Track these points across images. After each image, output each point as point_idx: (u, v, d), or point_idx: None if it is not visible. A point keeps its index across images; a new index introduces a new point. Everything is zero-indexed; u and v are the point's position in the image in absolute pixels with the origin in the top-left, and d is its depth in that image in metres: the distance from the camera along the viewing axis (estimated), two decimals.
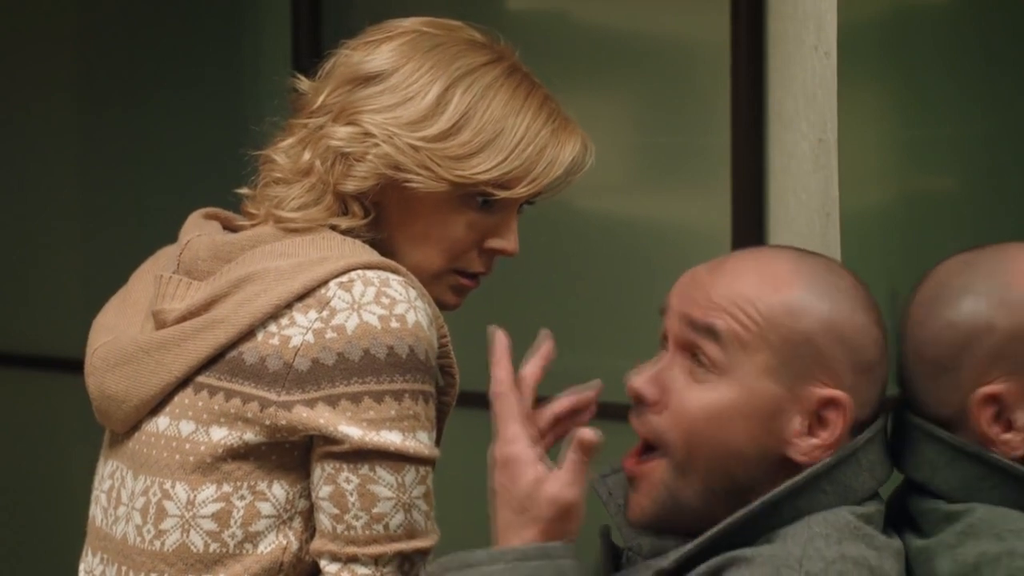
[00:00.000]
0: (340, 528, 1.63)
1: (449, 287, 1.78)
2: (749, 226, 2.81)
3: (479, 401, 3.33)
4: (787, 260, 1.63)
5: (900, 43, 2.69)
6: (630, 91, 3.20)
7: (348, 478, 1.63)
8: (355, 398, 1.62)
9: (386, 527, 1.63)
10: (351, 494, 1.63)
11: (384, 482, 1.63)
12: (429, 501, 1.66)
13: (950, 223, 2.74)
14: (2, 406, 4.09)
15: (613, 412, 3.31)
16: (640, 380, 1.61)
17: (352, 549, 1.63)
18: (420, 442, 1.64)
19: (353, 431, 1.61)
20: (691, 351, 1.60)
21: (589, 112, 3.10)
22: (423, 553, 1.65)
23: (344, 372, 1.62)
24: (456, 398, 1.76)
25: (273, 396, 1.63)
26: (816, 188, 2.31)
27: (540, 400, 3.55)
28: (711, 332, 1.58)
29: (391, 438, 1.62)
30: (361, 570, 1.63)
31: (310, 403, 1.62)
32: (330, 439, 1.62)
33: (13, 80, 4.04)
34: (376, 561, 1.63)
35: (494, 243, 1.77)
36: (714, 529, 1.55)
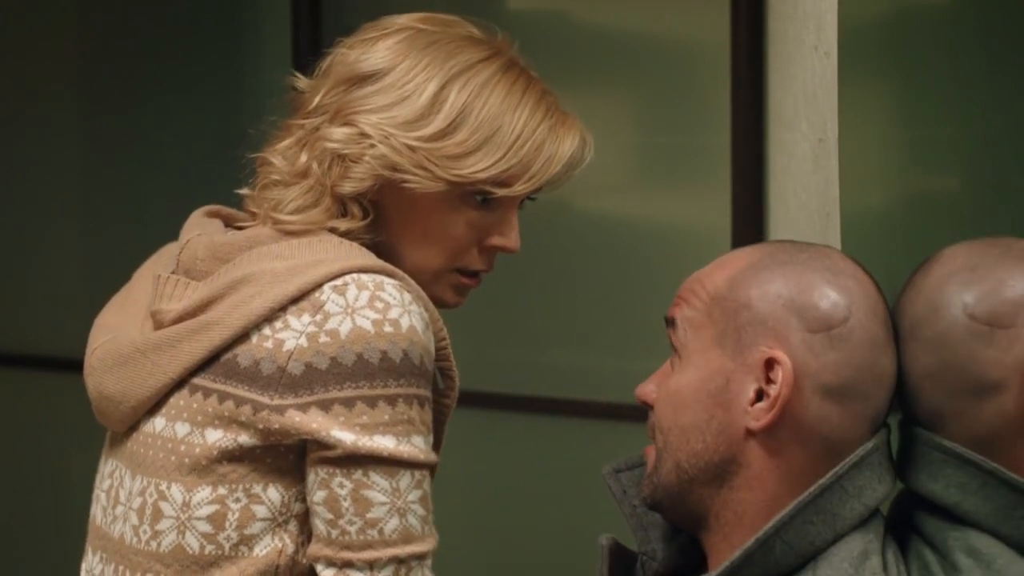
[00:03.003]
0: (335, 533, 1.62)
1: (450, 286, 1.77)
2: (749, 226, 2.81)
3: (479, 401, 3.33)
4: (755, 246, 1.67)
5: (900, 43, 2.69)
6: (630, 91, 3.20)
7: (342, 483, 1.62)
8: (348, 403, 1.61)
9: (380, 532, 1.62)
10: (345, 499, 1.62)
11: (378, 487, 1.62)
12: (426, 505, 1.65)
13: (951, 223, 2.74)
14: (2, 406, 4.09)
15: (616, 412, 3.32)
16: (640, 386, 1.67)
17: (347, 554, 1.62)
18: (415, 447, 1.63)
19: (346, 436, 1.61)
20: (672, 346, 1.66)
21: (589, 112, 3.10)
22: (420, 557, 1.64)
23: (337, 377, 1.61)
24: (456, 400, 1.75)
25: (266, 400, 1.62)
26: (816, 188, 2.31)
27: (545, 401, 3.55)
28: (671, 322, 1.64)
29: (384, 443, 1.61)
30: (356, 575, 1.63)
31: (303, 407, 1.62)
32: (323, 444, 1.62)
33: (13, 81, 4.04)
34: (371, 566, 1.62)
35: (495, 240, 1.76)
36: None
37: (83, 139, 4.02)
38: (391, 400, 1.62)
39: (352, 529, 1.62)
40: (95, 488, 1.79)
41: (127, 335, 1.73)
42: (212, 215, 1.80)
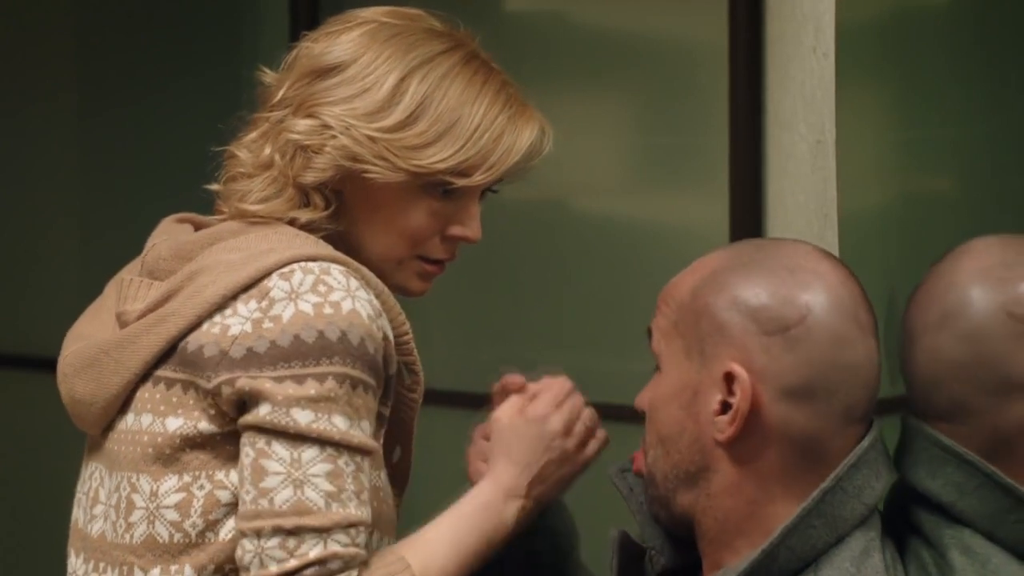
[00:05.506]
0: (240, 505, 1.62)
1: (414, 273, 1.78)
2: (747, 227, 2.81)
3: (478, 402, 3.33)
4: (723, 249, 1.66)
5: (898, 44, 2.69)
6: (629, 91, 3.20)
7: (247, 452, 1.62)
8: (278, 380, 1.61)
9: (271, 501, 1.60)
10: (246, 468, 1.61)
11: (276, 457, 1.60)
12: (338, 483, 1.60)
13: (949, 224, 2.74)
14: (2, 406, 4.09)
15: (614, 413, 3.32)
16: (638, 396, 1.68)
17: (242, 524, 1.61)
18: (333, 425, 1.61)
19: (263, 407, 1.61)
20: None
21: (588, 112, 3.10)
22: (316, 531, 1.60)
23: (273, 358, 1.61)
24: (423, 395, 1.75)
25: (203, 382, 1.63)
26: (814, 189, 2.32)
27: None
28: (648, 334, 1.66)
29: (298, 418, 1.60)
30: (247, 544, 1.60)
31: (234, 380, 1.62)
32: (249, 406, 1.62)
33: (13, 80, 4.04)
34: (257, 535, 1.60)
35: (456, 231, 1.77)
36: None
37: (83, 138, 4.02)
38: (320, 378, 1.61)
39: (248, 498, 1.61)
40: (77, 492, 1.80)
41: (95, 339, 1.74)
42: (182, 221, 1.82)
